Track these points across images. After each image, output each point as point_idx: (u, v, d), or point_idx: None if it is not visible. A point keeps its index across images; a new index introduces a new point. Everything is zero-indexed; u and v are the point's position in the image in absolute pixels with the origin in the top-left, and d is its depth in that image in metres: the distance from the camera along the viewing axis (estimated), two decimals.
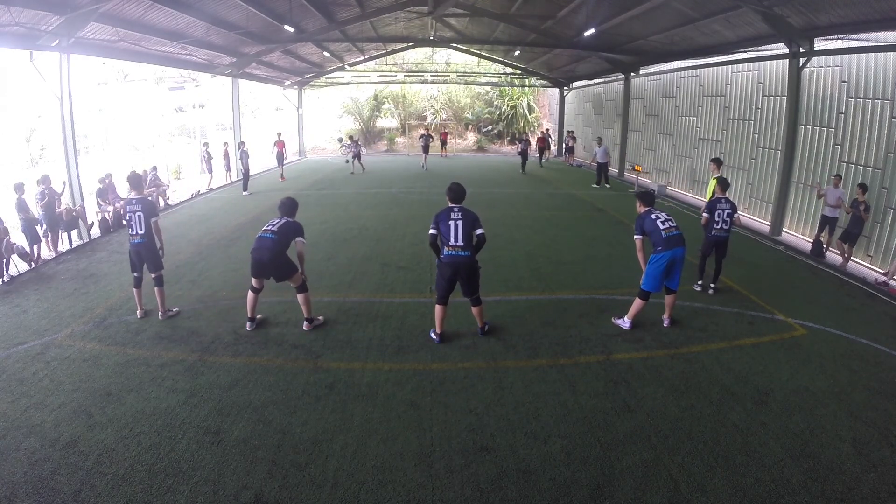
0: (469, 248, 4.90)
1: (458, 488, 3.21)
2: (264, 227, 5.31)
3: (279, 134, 17.70)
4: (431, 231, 5.02)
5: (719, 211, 6.43)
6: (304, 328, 5.44)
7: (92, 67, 26.98)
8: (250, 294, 5.42)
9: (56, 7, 8.26)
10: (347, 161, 19.25)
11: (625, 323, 5.51)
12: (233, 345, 5.11)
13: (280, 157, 17.34)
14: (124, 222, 5.68)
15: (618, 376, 4.54)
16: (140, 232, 5.50)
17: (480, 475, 3.32)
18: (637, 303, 5.39)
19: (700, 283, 6.79)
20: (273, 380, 4.46)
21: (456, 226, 4.88)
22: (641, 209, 5.52)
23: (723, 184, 6.79)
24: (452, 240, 4.88)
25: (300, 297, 5.41)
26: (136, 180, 5.83)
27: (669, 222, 5.27)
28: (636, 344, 5.17)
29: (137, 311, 5.77)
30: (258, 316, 5.59)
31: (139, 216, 5.47)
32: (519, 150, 19.94)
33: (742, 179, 11.87)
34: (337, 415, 3.96)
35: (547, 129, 25.01)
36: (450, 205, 5.04)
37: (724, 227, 6.42)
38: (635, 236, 5.48)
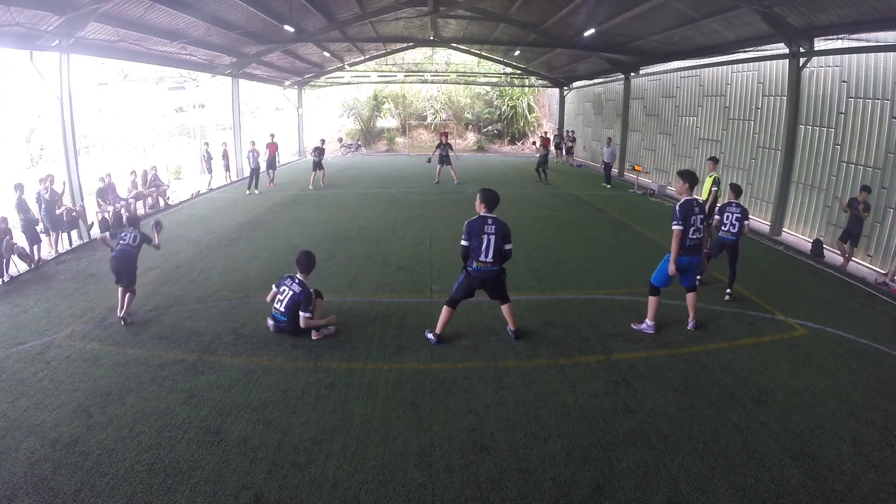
0: (497, 262, 4.89)
1: (458, 488, 3.21)
2: (275, 305, 5.18)
3: (272, 136, 16.01)
4: (464, 243, 4.85)
5: (728, 214, 6.44)
6: (313, 337, 5.25)
7: (92, 67, 27.05)
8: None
9: (56, 7, 8.26)
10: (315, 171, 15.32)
11: (649, 327, 5.40)
12: (233, 345, 5.11)
13: (272, 162, 15.58)
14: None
15: (618, 376, 4.54)
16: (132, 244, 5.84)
17: (480, 475, 3.32)
18: (652, 301, 5.36)
19: (699, 277, 6.84)
20: (273, 380, 4.46)
21: (489, 241, 4.81)
22: (684, 193, 5.24)
23: (735, 190, 6.78)
24: (483, 256, 4.82)
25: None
26: (133, 219, 6.24)
27: (698, 234, 5.20)
28: (636, 344, 5.17)
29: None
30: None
31: (134, 235, 5.90)
32: (539, 154, 16.84)
33: (742, 179, 11.84)
34: (337, 415, 3.96)
35: (568, 132, 24.04)
36: (482, 214, 4.90)
37: (732, 230, 6.39)
38: (676, 226, 5.10)
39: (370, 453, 3.52)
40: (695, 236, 5.19)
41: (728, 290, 6.52)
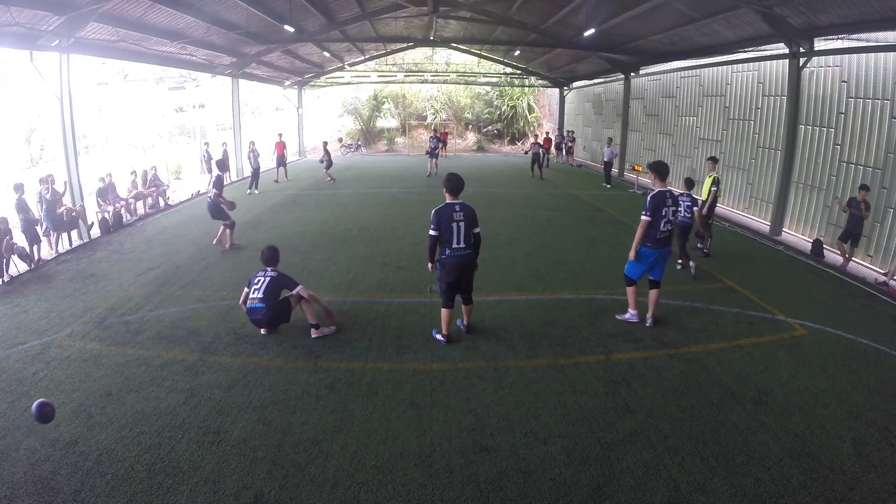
0: (469, 246, 4.92)
1: (458, 488, 3.21)
2: (251, 296, 5.16)
3: (280, 135, 17.12)
4: (433, 233, 4.87)
5: (681, 202, 7.01)
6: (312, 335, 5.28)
7: (92, 67, 27.00)
8: None
9: (56, 7, 8.26)
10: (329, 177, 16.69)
11: (632, 316, 5.57)
12: (233, 345, 5.11)
13: (281, 160, 16.65)
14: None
15: (618, 376, 4.54)
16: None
17: (480, 475, 3.32)
18: (630, 291, 5.56)
19: (680, 262, 7.45)
20: (273, 380, 4.46)
21: (458, 228, 4.83)
22: (657, 184, 5.33)
23: (688, 183, 7.84)
24: (455, 242, 4.85)
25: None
26: (221, 164, 9.00)
27: (668, 226, 5.32)
28: (636, 344, 5.16)
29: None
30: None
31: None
32: (532, 152, 17.89)
33: (742, 179, 11.87)
34: (337, 415, 3.96)
35: (568, 132, 24.06)
36: (449, 200, 4.91)
37: (687, 214, 7.39)
38: (644, 216, 5.21)
39: (370, 453, 3.52)
40: (665, 228, 5.27)
41: (681, 262, 7.41)
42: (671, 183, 13.64)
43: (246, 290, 5.30)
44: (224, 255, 8.27)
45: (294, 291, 5.22)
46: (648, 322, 5.55)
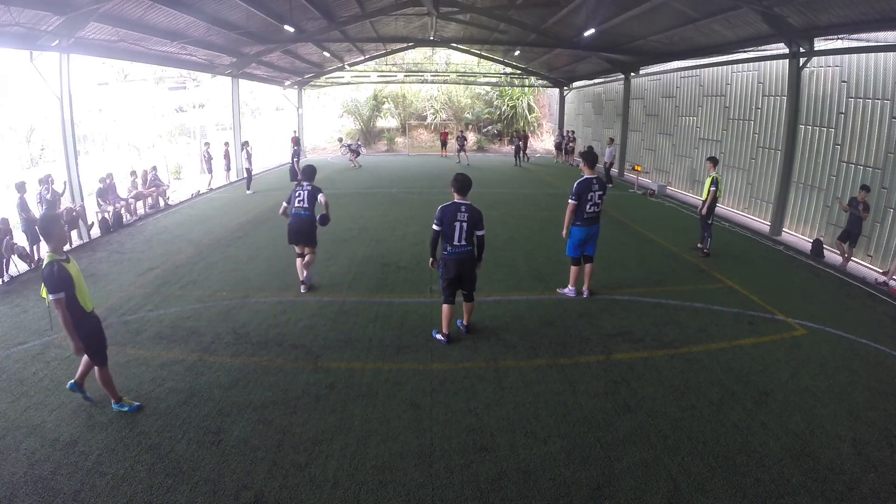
0: (470, 244, 4.95)
1: (458, 488, 3.21)
2: (295, 205, 6.31)
3: (294, 131, 22.36)
4: (435, 227, 4.91)
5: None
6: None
7: (92, 67, 27.04)
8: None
9: (56, 7, 8.26)
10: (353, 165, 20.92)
11: (570, 291, 6.35)
12: (233, 345, 5.11)
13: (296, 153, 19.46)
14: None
15: (618, 376, 4.54)
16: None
17: (480, 475, 3.32)
18: (573, 269, 6.33)
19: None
20: (273, 380, 4.46)
21: (461, 227, 4.86)
22: (586, 172, 6.02)
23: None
24: (456, 240, 4.88)
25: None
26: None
27: (595, 207, 6.02)
28: (636, 344, 5.17)
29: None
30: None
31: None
32: (514, 145, 22.01)
33: (742, 179, 11.87)
34: (337, 415, 3.96)
35: (570, 132, 24.02)
36: (456, 200, 4.93)
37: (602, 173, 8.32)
38: (570, 200, 5.98)
39: (370, 453, 3.53)
40: (591, 210, 6.02)
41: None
42: (672, 183, 13.81)
43: (285, 204, 6.42)
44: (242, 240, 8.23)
45: (322, 193, 6.29)
46: (585, 294, 6.34)
